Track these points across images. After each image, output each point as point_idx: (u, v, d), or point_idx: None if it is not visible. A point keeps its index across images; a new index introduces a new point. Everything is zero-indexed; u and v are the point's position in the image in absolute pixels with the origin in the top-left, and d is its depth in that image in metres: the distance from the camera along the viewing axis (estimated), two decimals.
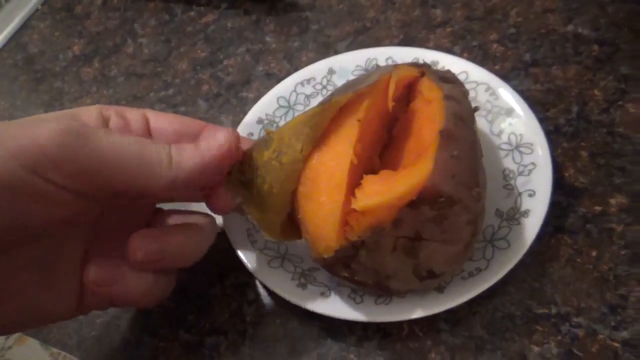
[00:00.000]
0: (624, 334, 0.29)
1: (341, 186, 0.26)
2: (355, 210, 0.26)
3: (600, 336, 0.29)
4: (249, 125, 0.41)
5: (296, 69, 0.45)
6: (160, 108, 0.47)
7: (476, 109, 0.31)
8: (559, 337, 0.29)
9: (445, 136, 0.27)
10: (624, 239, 0.32)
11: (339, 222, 0.26)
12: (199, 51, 0.51)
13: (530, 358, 0.29)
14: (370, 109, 0.30)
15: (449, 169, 0.26)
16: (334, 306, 0.31)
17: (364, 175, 0.27)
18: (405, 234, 0.27)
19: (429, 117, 0.30)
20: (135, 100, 0.49)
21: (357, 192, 0.27)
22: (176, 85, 0.49)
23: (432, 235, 0.27)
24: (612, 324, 0.29)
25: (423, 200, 0.26)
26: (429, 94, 0.32)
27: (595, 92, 0.39)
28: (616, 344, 0.29)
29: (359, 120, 0.28)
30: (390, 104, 0.31)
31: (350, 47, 0.47)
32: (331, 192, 0.27)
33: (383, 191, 0.26)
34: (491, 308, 0.31)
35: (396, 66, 0.34)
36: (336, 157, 0.27)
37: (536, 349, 0.29)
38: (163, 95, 0.48)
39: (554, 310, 0.30)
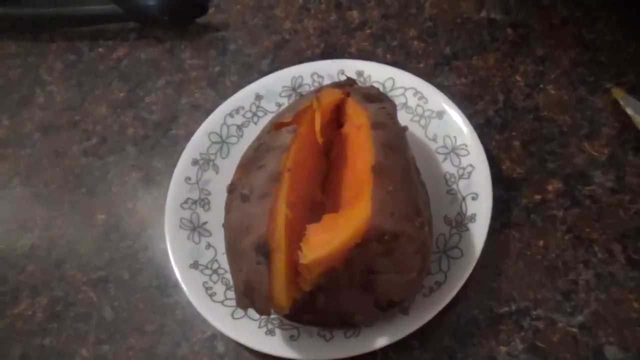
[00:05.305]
0: (580, 318, 0.30)
1: (280, 247, 0.26)
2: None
3: (559, 324, 0.31)
4: (185, 168, 0.39)
5: (222, 97, 0.44)
6: (86, 161, 0.45)
7: (405, 128, 0.32)
8: (522, 333, 0.31)
9: (378, 172, 0.27)
10: (566, 223, 0.33)
11: (285, 281, 0.26)
12: (116, 91, 0.48)
13: (499, 359, 0.30)
14: (300, 150, 0.29)
15: (387, 207, 0.26)
16: (305, 349, 0.31)
17: (307, 226, 0.27)
18: (359, 270, 0.27)
19: (359, 146, 0.30)
20: (58, 157, 0.45)
21: (303, 245, 0.26)
22: (98, 133, 0.46)
23: (385, 268, 0.27)
24: (568, 310, 0.31)
25: (369, 240, 0.26)
26: (357, 119, 0.31)
27: (517, 77, 0.39)
28: (574, 330, 0.30)
29: (289, 171, 0.27)
30: (320, 139, 0.30)
31: (273, 64, 0.46)
32: (272, 254, 0.26)
33: (328, 240, 0.26)
34: (455, 316, 0.32)
35: (319, 91, 0.33)
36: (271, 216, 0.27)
37: (503, 349, 0.31)
38: (87, 146, 0.46)
39: (513, 307, 0.32)
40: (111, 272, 0.39)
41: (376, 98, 0.33)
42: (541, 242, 0.33)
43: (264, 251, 0.26)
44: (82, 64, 0.50)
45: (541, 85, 0.39)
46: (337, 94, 0.34)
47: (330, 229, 0.27)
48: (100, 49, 0.51)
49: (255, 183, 0.29)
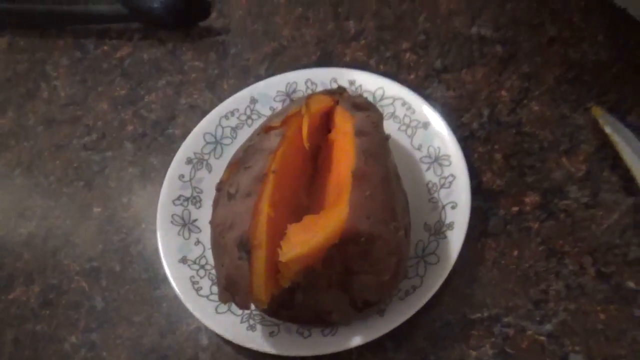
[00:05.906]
0: (548, 327, 0.32)
1: (261, 244, 0.27)
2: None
3: (529, 332, 0.32)
4: (179, 167, 0.41)
5: (219, 99, 0.45)
6: (85, 155, 0.46)
7: (387, 137, 0.33)
8: (493, 339, 0.32)
9: (358, 177, 0.28)
10: (540, 235, 0.35)
11: (264, 277, 0.27)
12: (117, 89, 0.50)
13: None
14: (286, 153, 0.31)
15: (364, 210, 0.27)
16: (284, 345, 0.32)
17: (288, 225, 0.28)
18: (337, 270, 0.29)
19: (343, 152, 0.31)
20: (58, 150, 0.47)
21: (283, 244, 0.28)
22: (99, 128, 0.48)
23: (361, 268, 0.29)
24: (537, 318, 0.32)
25: (346, 241, 0.27)
26: (343, 126, 0.33)
27: (503, 92, 0.41)
28: (542, 338, 0.31)
29: (274, 172, 0.29)
30: (307, 144, 0.32)
31: (270, 70, 0.47)
32: (253, 250, 0.27)
33: (306, 240, 0.27)
34: (430, 319, 0.33)
35: (309, 98, 0.35)
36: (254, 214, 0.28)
37: (474, 353, 0.32)
38: (87, 141, 0.47)
39: (485, 314, 0.33)
40: (103, 263, 0.40)
41: (363, 107, 0.35)
42: (516, 252, 0.34)
43: (246, 247, 0.27)
44: (87, 61, 0.52)
45: (525, 101, 0.40)
46: (327, 101, 0.35)
47: (310, 229, 0.28)
48: (105, 47, 0.53)
49: (241, 182, 0.30)
